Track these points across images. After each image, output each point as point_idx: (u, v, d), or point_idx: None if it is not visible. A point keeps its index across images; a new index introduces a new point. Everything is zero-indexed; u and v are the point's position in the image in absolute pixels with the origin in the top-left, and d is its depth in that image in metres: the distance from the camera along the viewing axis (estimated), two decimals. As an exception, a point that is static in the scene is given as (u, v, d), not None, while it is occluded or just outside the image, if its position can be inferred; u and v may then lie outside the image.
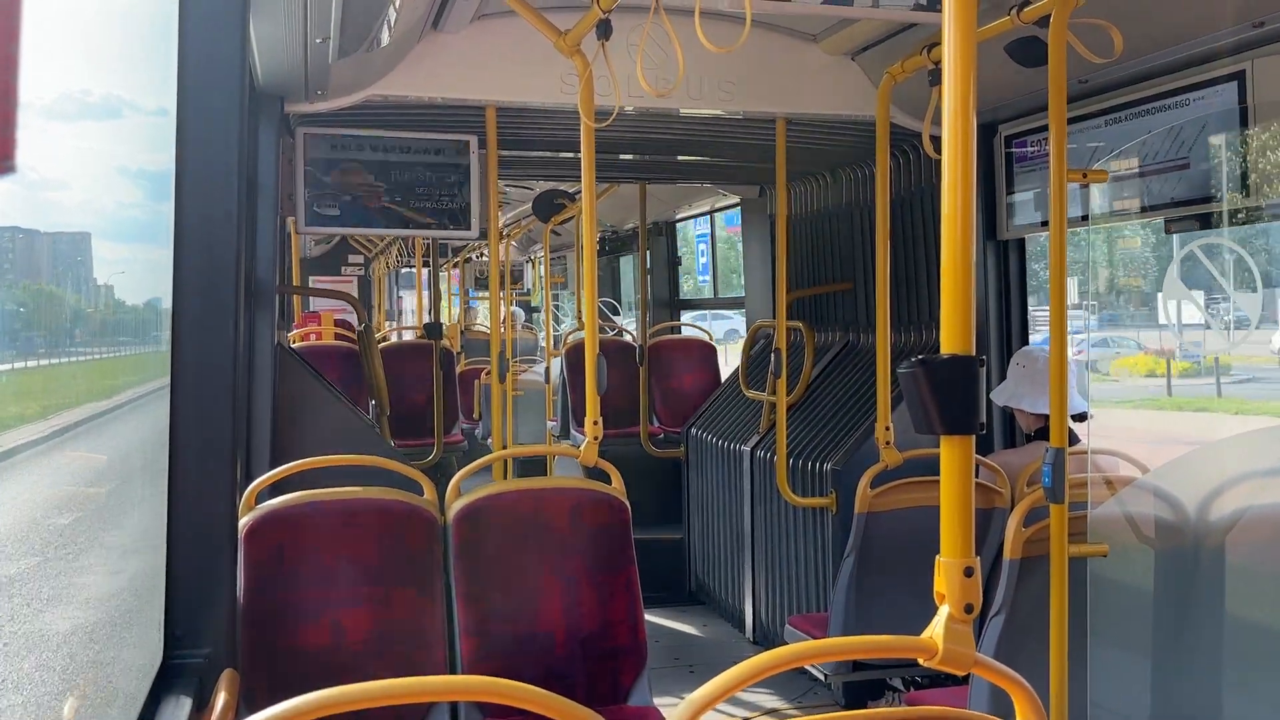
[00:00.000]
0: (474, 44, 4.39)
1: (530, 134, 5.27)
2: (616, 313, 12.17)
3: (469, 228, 4.89)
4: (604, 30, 3.36)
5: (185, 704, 2.33)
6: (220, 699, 2.36)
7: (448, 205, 4.86)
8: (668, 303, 9.88)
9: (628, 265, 12.46)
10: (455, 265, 14.74)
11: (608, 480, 3.74)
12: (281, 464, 3.65)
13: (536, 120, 4.93)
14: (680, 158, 6.32)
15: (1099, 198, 4.02)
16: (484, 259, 14.69)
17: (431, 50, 4.36)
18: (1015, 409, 4.43)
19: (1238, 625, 2.93)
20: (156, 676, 2.45)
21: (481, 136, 4.77)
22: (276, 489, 3.53)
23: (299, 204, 4.66)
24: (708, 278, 11.54)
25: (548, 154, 5.97)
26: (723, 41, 2.73)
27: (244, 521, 3.28)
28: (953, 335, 1.71)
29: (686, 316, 10.27)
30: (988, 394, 4.50)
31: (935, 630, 1.68)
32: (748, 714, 5.02)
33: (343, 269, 15.00)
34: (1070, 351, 3.17)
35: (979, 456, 3.97)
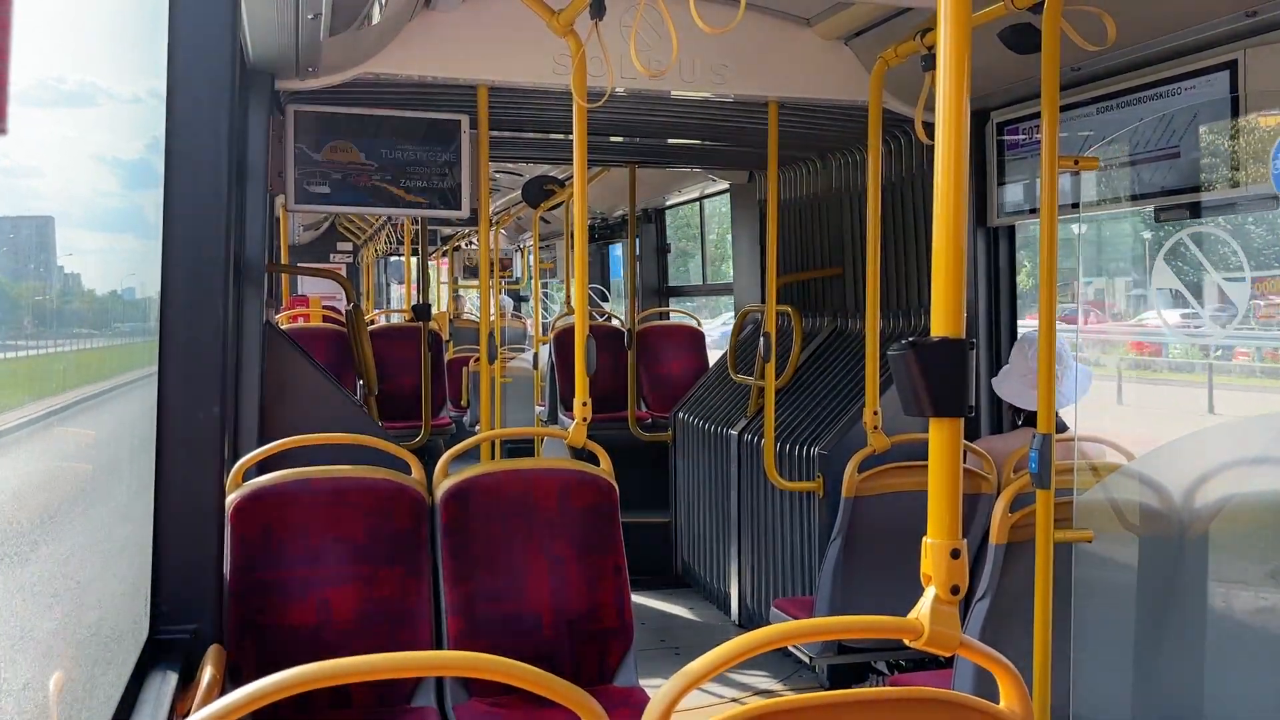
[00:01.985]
0: (466, 23, 4.37)
1: (522, 114, 5.26)
2: (605, 299, 12.17)
3: (459, 208, 4.87)
4: (597, 10, 3.35)
5: (171, 679, 2.33)
6: (206, 674, 2.36)
7: (438, 185, 4.84)
8: (656, 290, 9.89)
9: (616, 253, 12.46)
10: (444, 254, 14.70)
11: (596, 463, 3.74)
12: (269, 442, 3.65)
13: (528, 101, 4.92)
14: (671, 141, 6.32)
15: (1091, 185, 4.03)
16: (473, 247, 14.66)
17: (423, 28, 4.34)
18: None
19: (1219, 612, 2.96)
20: (143, 651, 2.45)
21: (473, 116, 4.76)
22: (264, 467, 3.53)
23: (288, 182, 4.64)
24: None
25: (539, 135, 5.95)
26: (716, 23, 2.72)
27: (231, 499, 3.28)
28: (943, 318, 1.72)
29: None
30: (976, 378, 4.51)
31: (921, 611, 1.69)
32: (735, 695, 5.04)
33: (331, 256, 14.94)
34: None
35: (966, 442, 3.98)
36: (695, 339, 8.86)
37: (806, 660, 4.64)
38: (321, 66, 4.22)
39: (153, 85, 2.66)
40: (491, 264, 6.37)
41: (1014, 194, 4.85)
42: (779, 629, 1.69)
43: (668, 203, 9.59)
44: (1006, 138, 4.85)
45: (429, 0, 4.24)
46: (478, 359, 9.26)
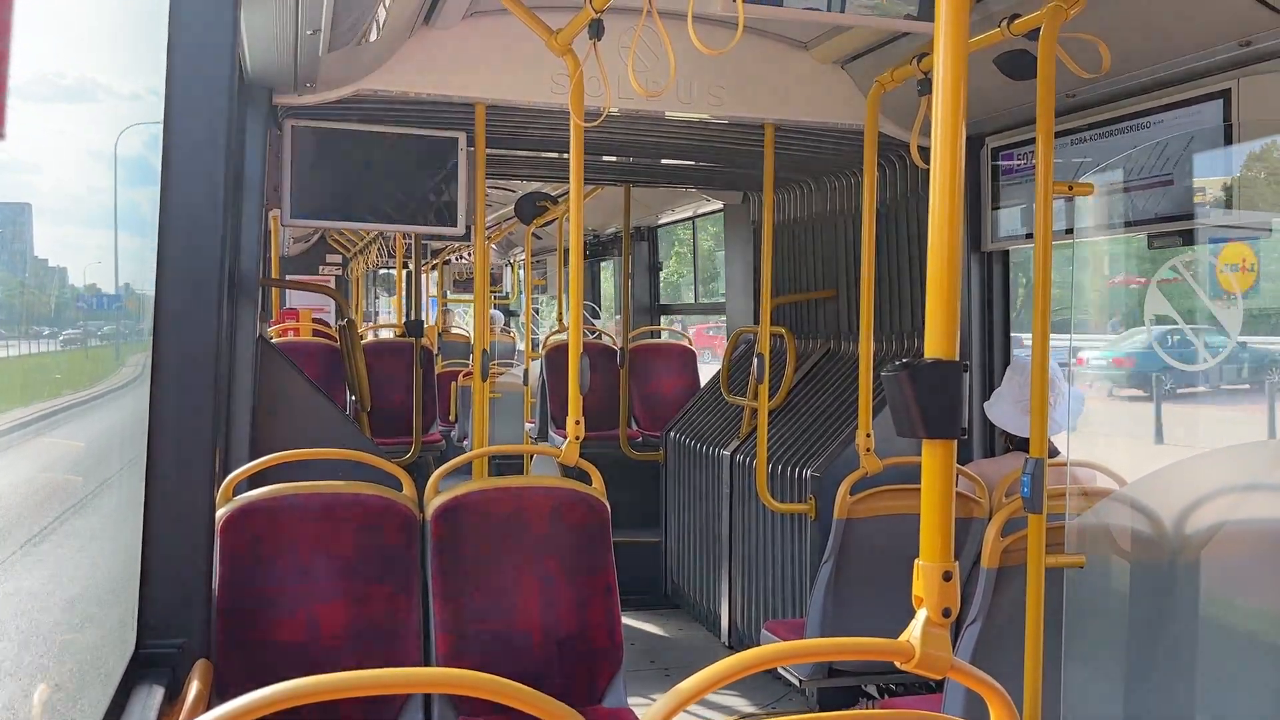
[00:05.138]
0: (465, 41, 4.39)
1: (518, 133, 5.27)
2: (597, 316, 12.19)
3: (455, 225, 4.88)
4: (596, 30, 3.36)
5: (158, 693, 2.31)
6: (193, 688, 2.35)
7: (434, 202, 4.85)
8: (648, 308, 9.90)
9: (607, 271, 12.48)
10: (434, 267, 14.72)
11: (587, 481, 3.73)
12: (260, 457, 3.63)
13: (525, 119, 4.93)
14: (665, 161, 6.33)
15: (1085, 211, 4.05)
16: (463, 261, 14.67)
17: (422, 46, 4.35)
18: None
19: (1211, 639, 2.96)
20: (129, 665, 2.44)
21: (470, 134, 4.77)
22: (255, 482, 3.51)
23: (284, 196, 4.64)
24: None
25: (534, 154, 5.97)
26: (714, 46, 2.74)
27: (221, 513, 3.26)
28: (937, 340, 1.72)
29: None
30: (969, 402, 4.52)
31: (912, 634, 1.69)
32: (722, 718, 5.02)
33: (320, 268, 14.93)
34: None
35: (958, 466, 3.98)
36: (687, 358, 8.87)
37: (796, 683, 4.62)
38: (320, 82, 4.23)
39: (152, 83, 2.66)
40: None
41: (1008, 219, 4.87)
42: (769, 650, 1.69)
43: (660, 221, 9.61)
44: (1001, 163, 4.87)
45: (428, 18, 4.25)
46: (467, 373, 9.28)
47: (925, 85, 3.89)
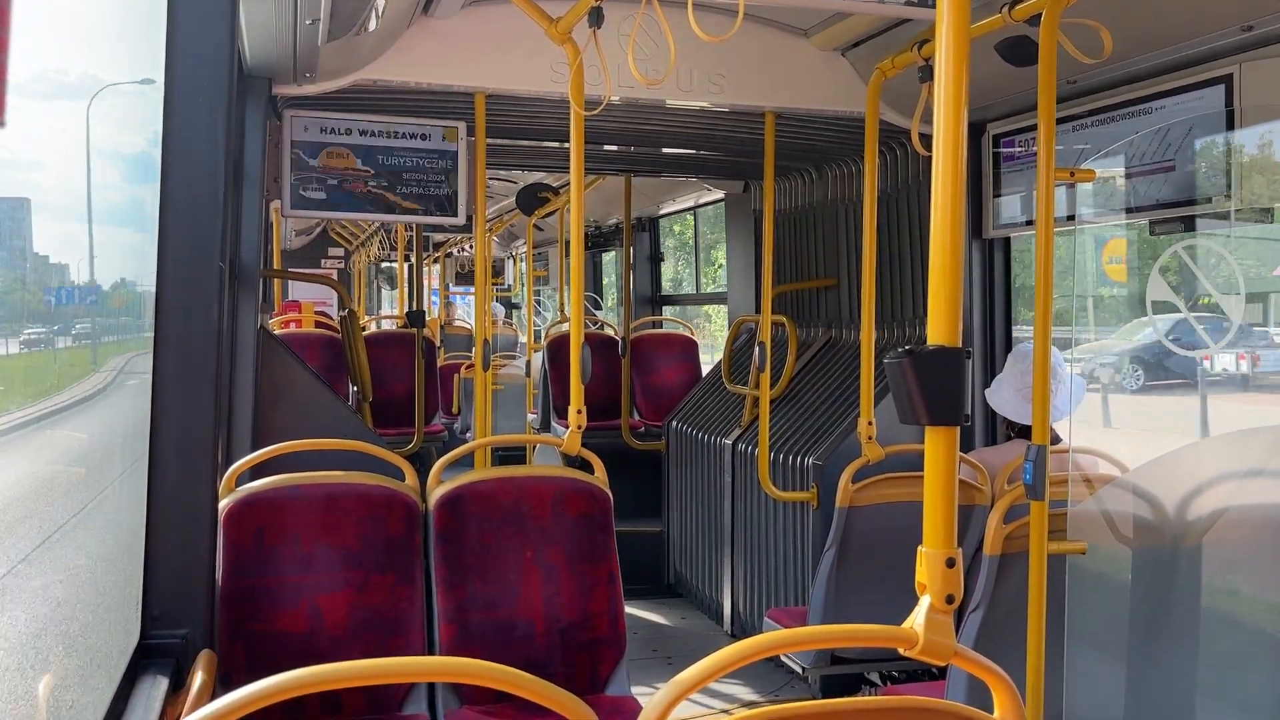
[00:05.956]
0: (464, 30, 4.38)
1: (518, 122, 5.26)
2: (599, 307, 12.19)
3: (456, 215, 4.88)
4: (596, 18, 3.36)
5: (162, 683, 2.32)
6: (197, 679, 2.35)
7: (435, 192, 4.85)
8: (649, 298, 9.89)
9: (609, 262, 12.47)
10: (435, 260, 14.73)
11: (589, 471, 3.73)
12: (263, 448, 3.63)
13: (525, 108, 4.92)
14: (666, 150, 6.33)
15: (1085, 198, 4.05)
16: (465, 254, 14.69)
17: (421, 35, 4.35)
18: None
19: (1213, 624, 2.96)
20: (133, 655, 2.44)
21: (470, 123, 4.76)
22: (257, 472, 3.52)
23: (284, 187, 4.63)
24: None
25: (535, 143, 5.97)
26: (714, 33, 2.73)
27: (224, 504, 3.26)
28: (940, 327, 1.72)
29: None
30: (971, 389, 4.51)
31: (916, 620, 1.69)
32: (725, 706, 5.03)
33: (323, 261, 14.93)
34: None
35: (960, 453, 3.98)
36: (689, 348, 8.87)
37: (799, 671, 4.63)
38: (319, 72, 4.22)
39: (154, 79, 2.65)
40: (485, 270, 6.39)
41: (1010, 206, 4.86)
42: (772, 637, 1.69)
43: (662, 212, 9.60)
44: (1002, 150, 4.86)
45: (427, 7, 4.24)
46: (469, 365, 9.29)
47: (926, 72, 3.88)
